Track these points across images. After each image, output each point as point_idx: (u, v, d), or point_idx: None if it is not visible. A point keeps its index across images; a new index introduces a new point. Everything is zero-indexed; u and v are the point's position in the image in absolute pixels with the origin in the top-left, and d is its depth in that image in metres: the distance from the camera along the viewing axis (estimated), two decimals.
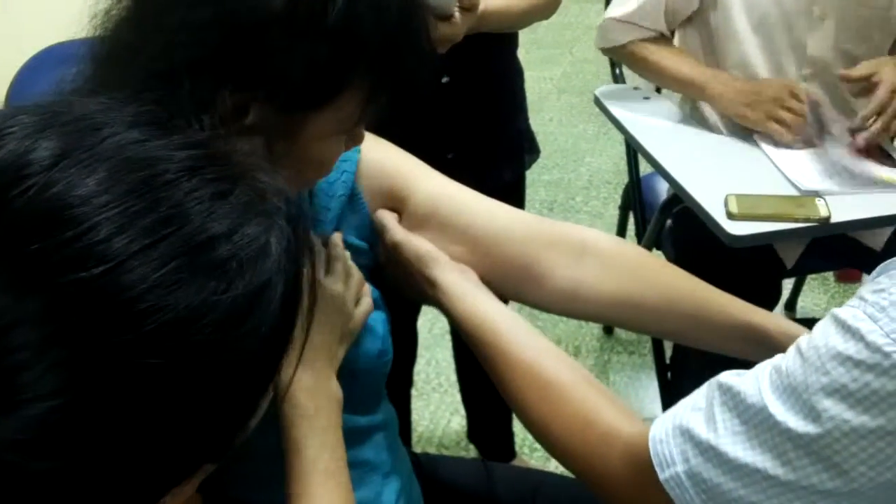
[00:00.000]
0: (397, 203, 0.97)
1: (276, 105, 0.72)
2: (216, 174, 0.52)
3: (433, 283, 0.92)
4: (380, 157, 0.97)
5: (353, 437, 0.93)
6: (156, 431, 0.48)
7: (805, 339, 0.65)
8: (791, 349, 0.66)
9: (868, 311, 0.60)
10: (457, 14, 1.22)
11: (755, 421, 0.65)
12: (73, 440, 0.46)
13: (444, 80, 1.38)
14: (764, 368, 0.67)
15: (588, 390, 0.82)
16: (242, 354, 0.50)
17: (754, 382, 0.66)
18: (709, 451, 0.66)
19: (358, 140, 0.83)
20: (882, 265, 0.64)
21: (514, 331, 0.88)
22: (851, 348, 0.60)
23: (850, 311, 0.62)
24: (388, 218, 0.96)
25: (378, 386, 0.98)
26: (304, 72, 0.71)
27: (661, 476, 0.69)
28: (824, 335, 0.63)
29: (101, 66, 0.75)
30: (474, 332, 0.89)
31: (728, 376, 0.68)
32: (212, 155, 0.54)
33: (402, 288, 0.97)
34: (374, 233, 0.97)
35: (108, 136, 0.51)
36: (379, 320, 0.94)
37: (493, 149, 1.53)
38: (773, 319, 0.94)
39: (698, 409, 0.69)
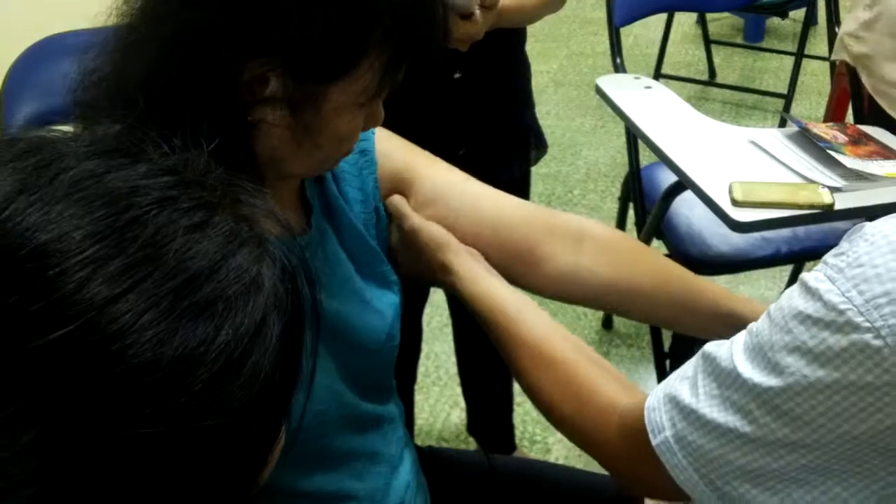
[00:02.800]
0: (404, 189, 0.99)
1: (295, 74, 0.72)
2: (190, 203, 0.46)
3: (447, 266, 0.95)
4: (388, 145, 0.99)
5: (363, 425, 0.93)
6: None
7: (773, 304, 0.68)
8: (763, 314, 0.69)
9: (828, 273, 0.64)
10: (477, 12, 1.23)
11: (727, 383, 0.68)
12: None
13: (457, 75, 1.37)
14: (740, 334, 0.71)
15: (591, 367, 0.86)
16: (242, 407, 0.44)
17: (729, 347, 0.70)
18: (691, 416, 0.70)
19: (376, 119, 0.83)
20: (848, 231, 0.68)
21: (523, 312, 0.91)
22: (811, 307, 0.63)
23: (813, 274, 0.65)
24: (402, 204, 0.98)
25: (386, 372, 1.00)
26: (322, 39, 0.71)
27: (654, 441, 0.73)
28: (789, 297, 0.66)
29: (123, 53, 0.74)
30: (487, 313, 0.92)
31: (711, 345, 0.72)
32: (184, 182, 0.47)
33: (412, 272, 0.99)
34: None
35: (59, 171, 0.44)
36: (390, 303, 0.96)
37: (502, 144, 1.54)
38: (752, 306, 0.98)
39: (686, 377, 0.73)
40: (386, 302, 0.95)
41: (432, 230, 0.96)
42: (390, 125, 0.93)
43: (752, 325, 0.70)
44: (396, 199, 0.98)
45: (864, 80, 1.65)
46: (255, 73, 0.71)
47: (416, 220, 0.96)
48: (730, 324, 0.94)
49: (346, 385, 0.91)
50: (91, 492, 0.40)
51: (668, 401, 0.73)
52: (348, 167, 0.94)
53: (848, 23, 1.68)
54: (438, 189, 0.99)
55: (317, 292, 0.51)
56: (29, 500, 0.39)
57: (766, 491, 0.67)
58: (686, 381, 0.72)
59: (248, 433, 0.45)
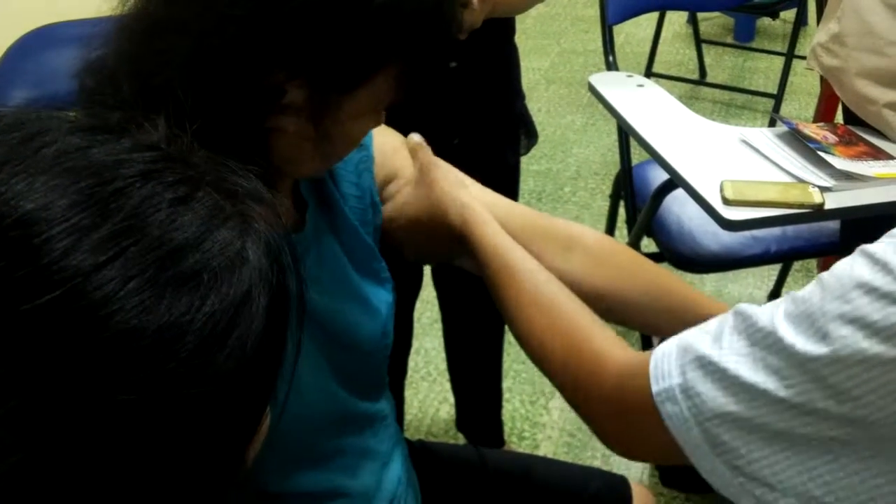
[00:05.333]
0: (399, 187, 0.99)
1: (316, 86, 0.73)
2: (174, 177, 0.46)
3: (463, 203, 0.93)
4: (385, 140, 0.99)
5: (357, 424, 0.94)
6: (134, 478, 0.42)
7: (825, 273, 0.66)
8: (811, 283, 0.66)
9: None
10: (474, 1, 1.23)
11: (763, 343, 0.65)
12: (37, 501, 0.40)
13: (452, 65, 1.38)
14: (782, 299, 0.67)
15: (594, 321, 0.85)
16: (228, 377, 0.44)
17: (770, 310, 0.67)
18: (708, 366, 0.67)
19: (379, 122, 0.84)
20: None
21: (532, 265, 0.90)
22: (879, 279, 0.61)
23: (881, 246, 0.62)
24: (420, 140, 0.99)
25: (380, 370, 0.99)
26: (344, 53, 0.72)
27: (654, 388, 0.70)
28: (849, 266, 0.63)
29: (138, 43, 0.74)
30: (495, 259, 0.90)
31: (746, 305, 0.69)
32: (168, 157, 0.47)
33: (409, 244, 0.98)
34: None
35: (43, 144, 0.44)
36: (384, 301, 0.95)
37: (496, 133, 1.55)
38: None
39: (707, 331, 0.70)
40: (380, 299, 0.95)
41: (448, 167, 0.96)
42: (387, 116, 0.93)
43: (794, 293, 0.66)
44: (414, 136, 0.99)
45: (839, 92, 1.64)
46: (278, 82, 0.72)
47: (430, 155, 0.97)
48: None
49: (339, 385, 0.91)
50: (77, 460, 0.40)
51: (682, 350, 0.70)
52: (344, 163, 0.94)
53: (820, 34, 1.66)
54: None
55: (302, 270, 0.51)
56: (13, 468, 0.39)
57: (780, 452, 0.65)
58: (707, 335, 0.69)
59: (233, 405, 0.45)
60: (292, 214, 0.89)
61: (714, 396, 0.66)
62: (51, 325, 0.40)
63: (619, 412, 0.76)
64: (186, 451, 0.43)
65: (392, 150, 0.99)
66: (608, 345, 0.80)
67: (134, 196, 0.43)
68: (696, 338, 0.70)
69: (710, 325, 0.71)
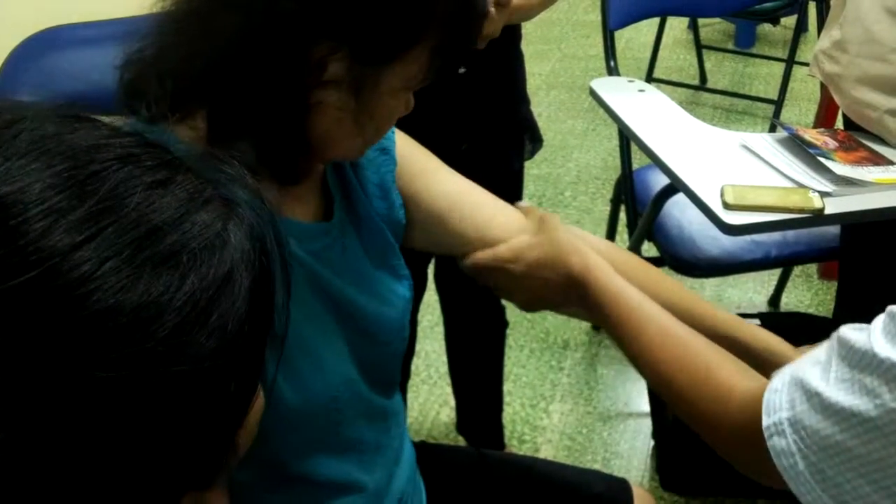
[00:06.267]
0: (408, 197, 1.00)
1: (358, 57, 0.76)
2: (153, 161, 0.46)
3: (583, 251, 0.95)
4: (406, 146, 1.01)
5: (372, 416, 0.96)
6: (118, 459, 0.42)
7: None
8: None
9: None
10: (492, 10, 1.24)
11: (861, 365, 0.64)
12: (21, 483, 0.40)
13: (461, 70, 1.39)
14: (879, 318, 0.67)
15: (713, 350, 0.86)
16: (210, 356, 0.43)
17: (867, 329, 0.66)
18: (815, 398, 0.67)
19: (409, 106, 0.87)
20: None
21: (655, 309, 0.92)
22: None
23: None
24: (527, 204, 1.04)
25: (395, 365, 1.01)
26: (384, 23, 0.76)
27: (765, 422, 0.70)
28: None
29: (181, 31, 0.77)
30: (618, 305, 0.92)
31: (847, 328, 0.68)
32: (147, 143, 0.47)
33: (521, 289, 1.00)
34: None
35: (21, 131, 0.44)
36: (402, 297, 0.98)
37: (502, 138, 1.55)
38: (753, 331, 0.98)
39: (818, 362, 0.70)
40: (398, 295, 0.97)
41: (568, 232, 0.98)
42: (399, 122, 0.94)
43: (892, 308, 0.65)
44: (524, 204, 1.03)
45: (837, 99, 1.65)
46: (321, 56, 0.75)
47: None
48: (732, 348, 0.93)
49: (359, 374, 0.93)
50: (59, 441, 0.40)
51: (794, 383, 0.70)
52: (367, 162, 0.96)
53: (822, 41, 1.67)
54: (451, 196, 1.01)
55: (285, 253, 0.51)
56: None
57: (880, 490, 0.63)
58: (818, 366, 0.69)
59: (217, 385, 0.45)
60: (321, 205, 0.91)
61: (819, 429, 0.66)
62: (28, 304, 0.40)
63: (738, 445, 0.77)
64: (170, 431, 0.43)
65: (419, 165, 1.01)
66: (735, 374, 0.81)
67: (111, 178, 0.43)
68: (808, 371, 0.69)
69: (820, 353, 0.70)
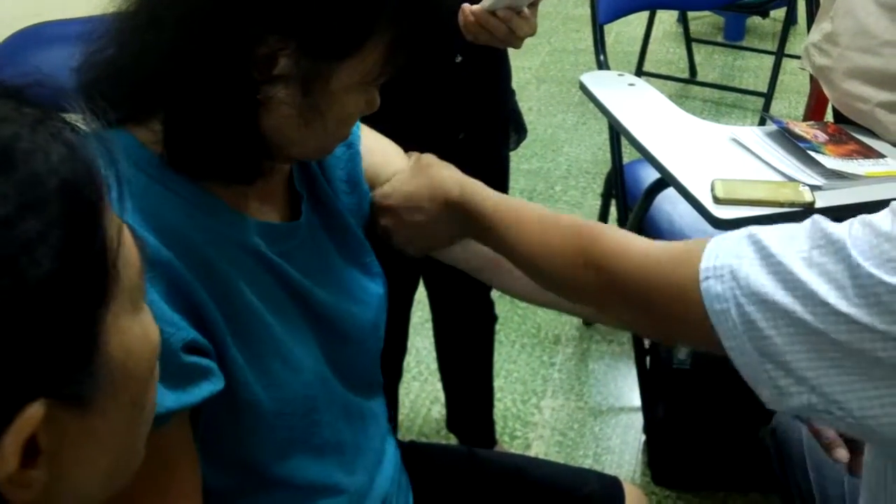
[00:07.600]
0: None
1: (307, 52, 0.74)
2: None
3: (460, 178, 0.94)
4: (372, 141, 1.00)
5: (350, 416, 0.94)
6: None
7: None
8: (885, 211, 0.66)
9: None
10: (526, 11, 1.24)
11: (830, 249, 0.65)
12: None
13: (458, 59, 1.38)
14: (854, 220, 0.67)
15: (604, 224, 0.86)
16: (24, 266, 0.42)
17: (845, 227, 0.66)
18: (770, 259, 0.67)
19: (373, 105, 0.85)
20: None
21: (535, 206, 0.92)
22: None
23: None
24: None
25: (372, 364, 1.00)
26: (334, 17, 0.74)
27: (704, 264, 0.69)
28: None
29: (134, 28, 0.76)
30: (497, 212, 0.91)
31: (822, 217, 0.69)
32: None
33: (399, 228, 0.98)
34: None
35: None
36: (375, 294, 0.96)
37: (495, 127, 1.55)
38: None
39: (783, 231, 0.69)
40: (371, 293, 0.96)
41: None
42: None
43: (864, 217, 0.66)
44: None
45: (827, 92, 1.64)
46: (269, 50, 0.73)
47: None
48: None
49: (333, 375, 0.92)
50: None
51: (749, 238, 0.69)
52: (335, 159, 0.95)
53: (813, 33, 1.66)
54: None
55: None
56: None
57: (812, 352, 0.64)
58: (778, 230, 0.69)
59: (34, 300, 0.43)
60: (288, 205, 0.90)
61: (762, 284, 0.66)
62: None
63: (671, 289, 0.74)
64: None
65: (384, 160, 1.00)
66: (626, 234, 0.81)
67: None
68: (768, 234, 0.69)
69: (786, 226, 0.70)
